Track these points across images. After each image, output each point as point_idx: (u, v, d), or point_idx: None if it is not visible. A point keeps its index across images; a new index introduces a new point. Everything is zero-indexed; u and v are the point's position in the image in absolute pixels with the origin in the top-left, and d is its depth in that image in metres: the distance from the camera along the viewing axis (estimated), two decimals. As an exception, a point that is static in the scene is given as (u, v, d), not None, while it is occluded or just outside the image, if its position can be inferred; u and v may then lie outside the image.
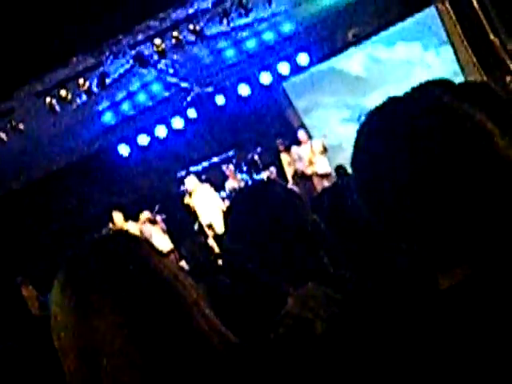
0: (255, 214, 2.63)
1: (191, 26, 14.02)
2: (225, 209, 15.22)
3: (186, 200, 16.20)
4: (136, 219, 15.92)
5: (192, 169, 17.47)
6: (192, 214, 16.12)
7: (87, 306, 1.68)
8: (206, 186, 16.31)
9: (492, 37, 15.10)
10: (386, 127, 1.53)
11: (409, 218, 1.47)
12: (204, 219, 15.84)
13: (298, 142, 16.51)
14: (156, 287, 1.71)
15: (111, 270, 1.72)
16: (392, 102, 1.58)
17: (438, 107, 1.50)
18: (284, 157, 16.67)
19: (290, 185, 15.77)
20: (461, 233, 1.44)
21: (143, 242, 1.84)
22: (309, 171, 16.01)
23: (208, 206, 15.92)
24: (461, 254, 1.46)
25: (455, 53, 16.97)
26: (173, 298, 1.72)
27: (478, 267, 1.44)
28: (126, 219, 15.81)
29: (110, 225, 15.45)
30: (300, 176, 16.08)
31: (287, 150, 16.57)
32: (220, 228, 15.31)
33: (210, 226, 15.67)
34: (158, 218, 16.07)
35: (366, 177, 1.54)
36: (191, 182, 16.27)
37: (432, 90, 1.61)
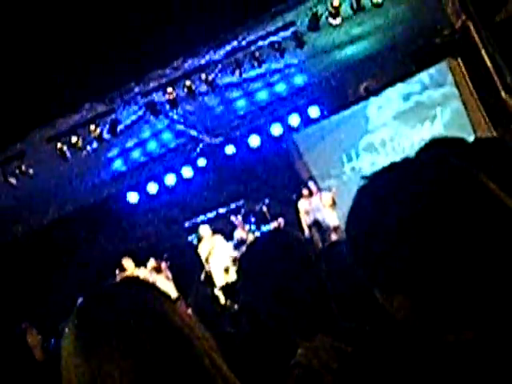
0: (267, 265, 2.65)
1: (203, 76, 14.08)
2: (233, 259, 15.25)
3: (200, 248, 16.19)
4: (144, 267, 15.91)
5: (200, 218, 17.48)
6: (201, 263, 16.08)
7: (99, 354, 1.66)
8: (219, 236, 16.29)
9: (503, 94, 15.13)
10: (381, 193, 1.51)
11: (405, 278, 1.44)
12: (212, 269, 15.80)
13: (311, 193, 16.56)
14: (168, 337, 1.70)
15: (124, 319, 1.70)
16: (391, 167, 1.55)
17: (437, 175, 1.48)
18: (302, 204, 16.62)
19: (307, 234, 15.78)
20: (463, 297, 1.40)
21: (156, 290, 1.82)
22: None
23: (218, 257, 15.89)
24: (465, 317, 1.41)
25: (466, 109, 17.02)
26: (185, 349, 1.70)
27: (483, 331, 1.39)
28: (137, 266, 15.81)
29: (117, 271, 15.42)
30: (316, 226, 16.05)
31: (310, 195, 16.56)
32: (227, 278, 15.28)
33: (216, 276, 15.66)
34: (163, 265, 16.03)
35: (360, 237, 1.53)
36: (205, 231, 16.26)
37: (433, 157, 1.59)
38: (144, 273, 15.49)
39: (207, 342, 1.76)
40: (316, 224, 16.10)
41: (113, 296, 1.78)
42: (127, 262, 15.73)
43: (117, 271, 15.43)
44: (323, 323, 2.56)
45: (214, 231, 16.45)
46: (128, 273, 15.35)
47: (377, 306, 2.76)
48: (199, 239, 16.31)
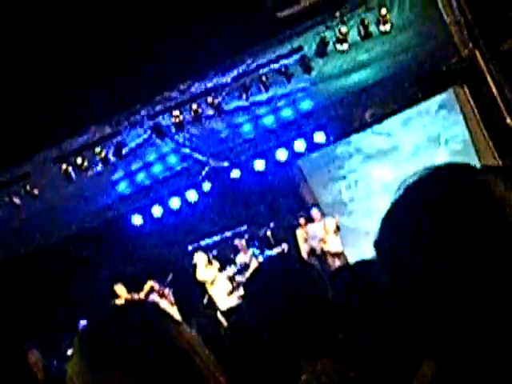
0: (274, 289, 2.67)
1: (210, 100, 14.12)
2: (236, 284, 15.21)
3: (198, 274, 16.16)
4: (137, 293, 15.85)
5: (203, 242, 17.44)
6: (202, 288, 16.04)
7: (104, 376, 1.65)
8: (215, 262, 16.25)
9: (509, 121, 15.14)
10: (414, 204, 1.45)
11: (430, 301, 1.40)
12: (214, 293, 15.77)
13: (312, 220, 16.48)
14: (174, 359, 1.69)
15: (129, 341, 1.69)
16: (422, 180, 1.49)
17: (472, 189, 1.42)
18: (300, 232, 16.60)
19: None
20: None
21: (161, 312, 1.81)
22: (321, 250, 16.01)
23: (220, 281, 15.85)
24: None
25: (471, 136, 17.00)
26: (190, 371, 1.68)
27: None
28: (129, 291, 15.72)
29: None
30: (315, 253, 16.03)
31: (307, 223, 16.52)
32: (230, 302, 15.23)
33: (215, 302, 15.64)
34: (167, 290, 15.98)
35: (390, 254, 1.47)
36: (200, 258, 16.21)
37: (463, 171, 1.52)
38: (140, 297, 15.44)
39: (211, 364, 1.75)
40: (314, 252, 16.09)
41: (118, 318, 1.77)
42: (119, 288, 15.66)
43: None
44: (328, 348, 2.55)
45: (214, 257, 16.45)
46: (121, 299, 15.26)
47: (383, 332, 2.74)
48: (194, 266, 16.25)
